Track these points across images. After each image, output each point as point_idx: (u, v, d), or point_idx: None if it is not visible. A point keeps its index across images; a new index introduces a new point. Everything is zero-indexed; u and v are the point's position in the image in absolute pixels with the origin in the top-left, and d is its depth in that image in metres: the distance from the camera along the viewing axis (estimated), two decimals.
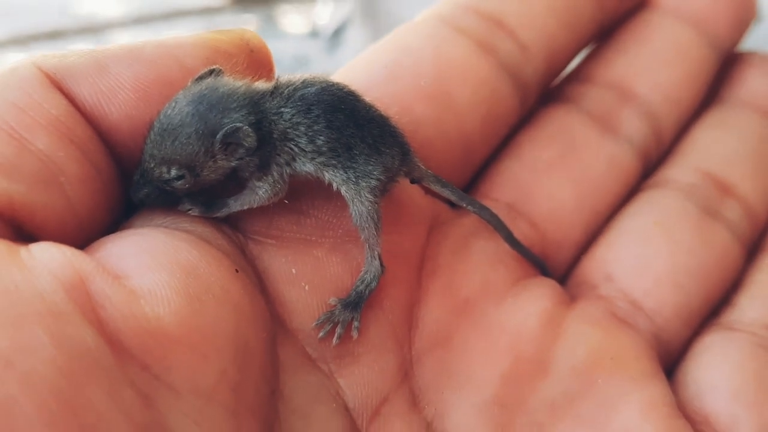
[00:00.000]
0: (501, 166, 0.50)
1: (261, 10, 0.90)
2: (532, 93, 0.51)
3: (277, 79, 0.39)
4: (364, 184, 0.39)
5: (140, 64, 0.37)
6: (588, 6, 0.53)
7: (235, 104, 0.37)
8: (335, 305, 0.39)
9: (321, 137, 0.38)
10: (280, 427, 0.36)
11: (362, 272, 0.40)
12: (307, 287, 0.39)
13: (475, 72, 0.48)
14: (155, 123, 0.37)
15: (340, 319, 0.39)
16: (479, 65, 0.48)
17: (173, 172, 0.37)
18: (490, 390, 0.41)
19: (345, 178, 0.39)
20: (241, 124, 0.37)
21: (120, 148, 0.38)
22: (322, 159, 0.39)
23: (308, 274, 0.39)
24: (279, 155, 0.39)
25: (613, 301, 0.46)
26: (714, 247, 0.48)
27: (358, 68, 0.47)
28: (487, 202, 0.46)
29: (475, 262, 0.44)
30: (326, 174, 0.39)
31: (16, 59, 0.39)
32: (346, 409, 0.38)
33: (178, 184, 0.38)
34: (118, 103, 0.37)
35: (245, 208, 0.39)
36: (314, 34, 0.88)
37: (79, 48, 0.38)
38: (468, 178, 0.49)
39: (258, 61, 0.41)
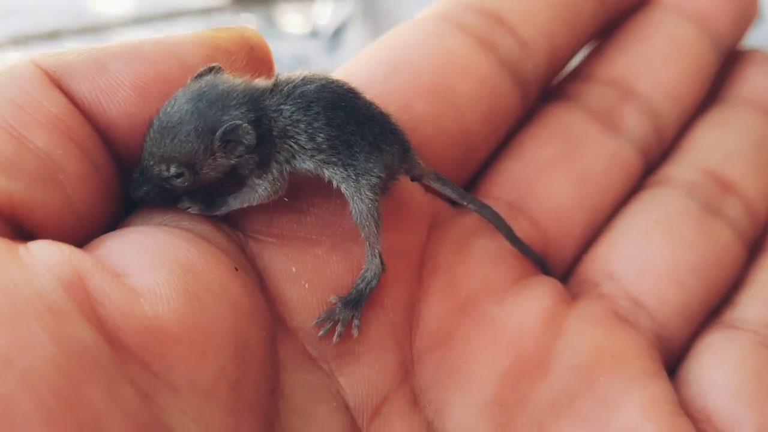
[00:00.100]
0: (502, 164, 0.50)
1: (261, 10, 0.90)
2: (532, 90, 0.51)
3: (277, 77, 0.39)
4: (364, 181, 0.39)
5: (139, 62, 0.37)
6: (589, 3, 0.53)
7: (234, 102, 0.37)
8: (336, 303, 0.39)
9: (321, 134, 0.38)
10: (281, 425, 0.36)
11: (363, 270, 0.40)
12: (307, 285, 0.39)
13: (476, 68, 0.48)
14: (154, 121, 0.37)
15: (341, 318, 0.39)
16: (479, 62, 0.48)
17: (173, 170, 0.37)
18: (491, 389, 0.41)
19: (345, 176, 0.39)
20: (240, 122, 0.37)
21: (119, 146, 0.38)
22: (322, 156, 0.39)
23: (308, 273, 0.39)
24: (279, 153, 0.38)
25: (615, 299, 0.46)
26: (715, 245, 0.48)
27: (359, 65, 0.47)
28: (488, 201, 0.46)
29: (476, 261, 0.44)
30: (326, 171, 0.39)
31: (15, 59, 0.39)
32: (347, 408, 0.38)
33: (178, 181, 0.38)
34: (117, 101, 0.37)
35: (245, 206, 0.39)
36: (314, 34, 0.88)
37: (78, 46, 0.38)
38: (469, 176, 0.49)
39: (258, 58, 0.41)
